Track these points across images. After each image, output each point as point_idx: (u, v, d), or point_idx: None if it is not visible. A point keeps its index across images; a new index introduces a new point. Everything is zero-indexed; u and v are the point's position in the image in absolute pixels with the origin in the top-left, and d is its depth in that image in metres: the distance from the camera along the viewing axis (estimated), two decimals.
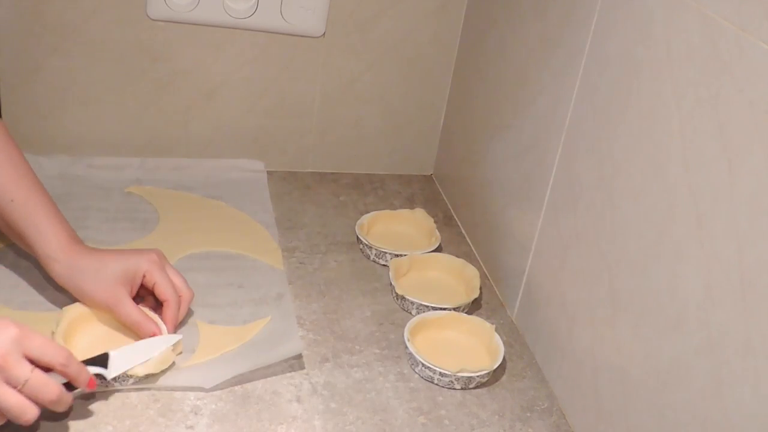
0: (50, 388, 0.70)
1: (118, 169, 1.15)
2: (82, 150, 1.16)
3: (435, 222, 1.12)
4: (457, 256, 1.05)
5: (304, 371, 0.86)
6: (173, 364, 0.82)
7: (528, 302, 0.96)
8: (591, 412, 0.81)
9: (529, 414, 0.86)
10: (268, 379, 0.84)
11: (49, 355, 0.70)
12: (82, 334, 0.85)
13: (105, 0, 1.07)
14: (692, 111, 0.67)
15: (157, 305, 0.87)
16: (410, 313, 0.97)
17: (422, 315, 0.93)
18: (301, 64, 1.17)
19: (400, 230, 1.12)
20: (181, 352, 0.84)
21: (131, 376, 0.79)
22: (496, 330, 0.92)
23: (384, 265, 1.05)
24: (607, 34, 0.80)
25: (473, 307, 1.00)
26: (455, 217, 1.19)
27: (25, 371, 0.68)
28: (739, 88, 0.61)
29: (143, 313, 0.84)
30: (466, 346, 0.92)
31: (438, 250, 1.08)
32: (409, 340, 0.89)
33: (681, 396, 0.67)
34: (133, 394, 0.80)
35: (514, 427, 0.84)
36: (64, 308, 0.85)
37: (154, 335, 0.83)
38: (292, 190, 1.19)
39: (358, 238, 1.07)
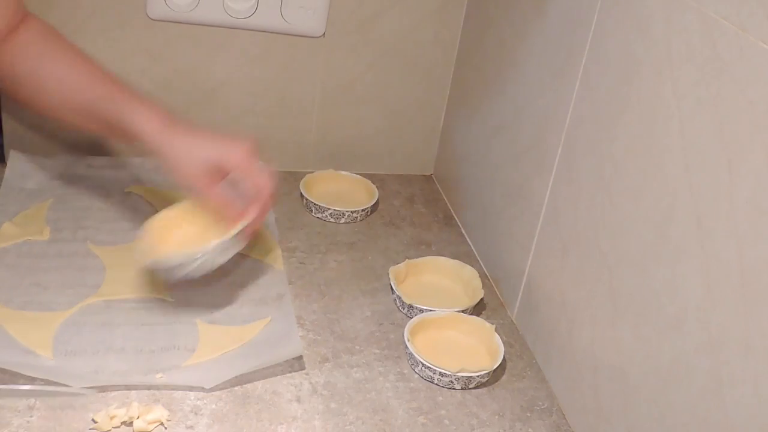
0: None
1: (118, 169, 1.15)
2: (82, 150, 1.16)
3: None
4: (457, 256, 1.05)
5: (304, 371, 0.86)
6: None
7: (528, 302, 0.96)
8: (591, 412, 0.81)
9: (529, 414, 0.86)
10: (268, 379, 0.84)
11: None
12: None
13: (105, 0, 1.07)
14: (692, 111, 0.67)
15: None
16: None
17: (422, 315, 0.93)
18: (301, 64, 1.17)
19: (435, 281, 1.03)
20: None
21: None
22: (496, 330, 0.92)
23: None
24: (607, 33, 0.80)
25: (473, 307, 1.00)
26: (455, 217, 1.19)
27: None
28: (739, 88, 0.61)
29: (229, 197, 0.89)
30: (466, 346, 0.92)
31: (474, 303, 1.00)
32: (409, 340, 0.89)
33: (681, 396, 0.67)
34: (133, 394, 0.80)
35: (514, 427, 0.84)
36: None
37: (239, 217, 0.88)
38: (292, 190, 1.19)
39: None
